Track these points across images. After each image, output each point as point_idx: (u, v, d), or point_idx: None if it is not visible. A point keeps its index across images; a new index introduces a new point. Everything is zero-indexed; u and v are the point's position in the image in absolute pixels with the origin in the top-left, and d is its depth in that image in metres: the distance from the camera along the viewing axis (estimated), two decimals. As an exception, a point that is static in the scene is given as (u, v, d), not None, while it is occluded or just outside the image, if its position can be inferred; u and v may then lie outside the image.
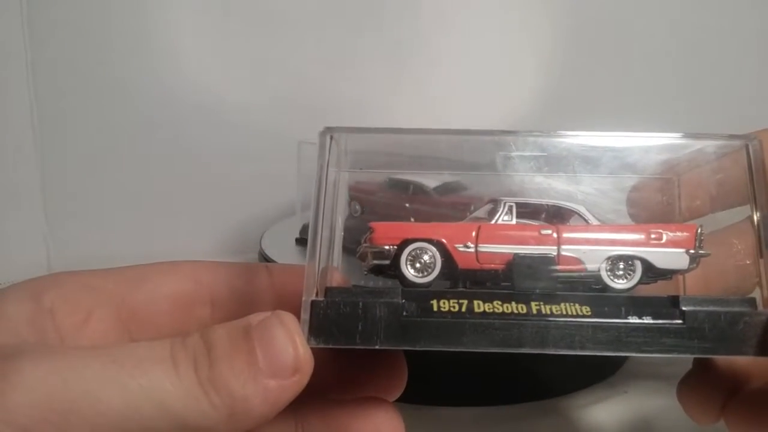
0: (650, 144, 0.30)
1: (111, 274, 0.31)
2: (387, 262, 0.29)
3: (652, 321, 0.25)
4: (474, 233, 0.29)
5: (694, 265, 0.29)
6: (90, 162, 0.75)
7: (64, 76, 0.72)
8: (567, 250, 0.29)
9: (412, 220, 0.31)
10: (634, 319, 0.25)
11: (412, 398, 0.30)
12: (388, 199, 0.45)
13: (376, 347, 0.25)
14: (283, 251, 0.58)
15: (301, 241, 0.61)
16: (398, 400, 0.30)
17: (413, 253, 0.29)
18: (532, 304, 0.26)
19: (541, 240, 0.29)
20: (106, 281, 0.30)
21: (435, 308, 0.26)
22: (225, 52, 0.75)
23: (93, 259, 0.40)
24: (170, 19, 0.73)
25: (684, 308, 0.25)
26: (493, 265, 0.29)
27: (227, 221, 0.78)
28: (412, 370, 0.30)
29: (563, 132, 0.29)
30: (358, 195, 0.46)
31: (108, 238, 0.75)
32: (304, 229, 0.61)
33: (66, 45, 0.72)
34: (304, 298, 0.25)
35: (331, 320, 0.25)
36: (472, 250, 0.29)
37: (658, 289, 0.29)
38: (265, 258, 0.57)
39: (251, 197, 0.77)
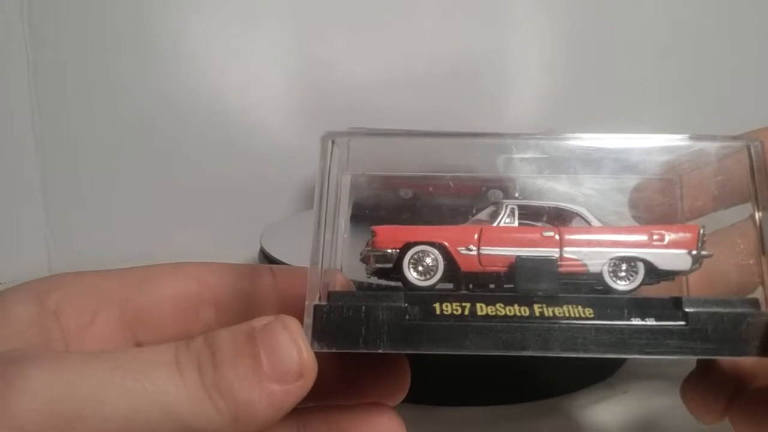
0: (651, 145, 0.30)
1: (115, 275, 0.31)
2: (390, 265, 0.29)
3: (654, 322, 0.25)
4: (476, 236, 0.29)
5: (697, 265, 0.29)
6: (90, 162, 0.74)
7: (64, 76, 0.72)
8: (569, 252, 0.29)
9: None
10: (636, 321, 0.25)
11: (413, 398, 0.30)
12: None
13: (380, 351, 0.25)
14: (284, 251, 0.58)
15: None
16: (399, 401, 0.30)
17: (416, 257, 0.29)
18: (535, 306, 0.26)
19: (544, 242, 0.29)
20: (110, 282, 0.30)
21: (438, 311, 0.25)
22: (225, 52, 0.75)
23: (94, 259, 0.40)
24: (171, 20, 0.73)
25: (687, 309, 0.25)
26: (495, 268, 0.28)
27: (228, 221, 0.78)
28: (413, 370, 0.30)
29: (564, 134, 0.29)
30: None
31: (108, 238, 0.74)
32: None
33: (66, 45, 0.72)
34: (307, 303, 0.25)
35: (335, 324, 0.25)
36: (475, 252, 0.29)
37: (661, 290, 0.29)
38: (265, 257, 0.57)
39: (251, 197, 0.77)
